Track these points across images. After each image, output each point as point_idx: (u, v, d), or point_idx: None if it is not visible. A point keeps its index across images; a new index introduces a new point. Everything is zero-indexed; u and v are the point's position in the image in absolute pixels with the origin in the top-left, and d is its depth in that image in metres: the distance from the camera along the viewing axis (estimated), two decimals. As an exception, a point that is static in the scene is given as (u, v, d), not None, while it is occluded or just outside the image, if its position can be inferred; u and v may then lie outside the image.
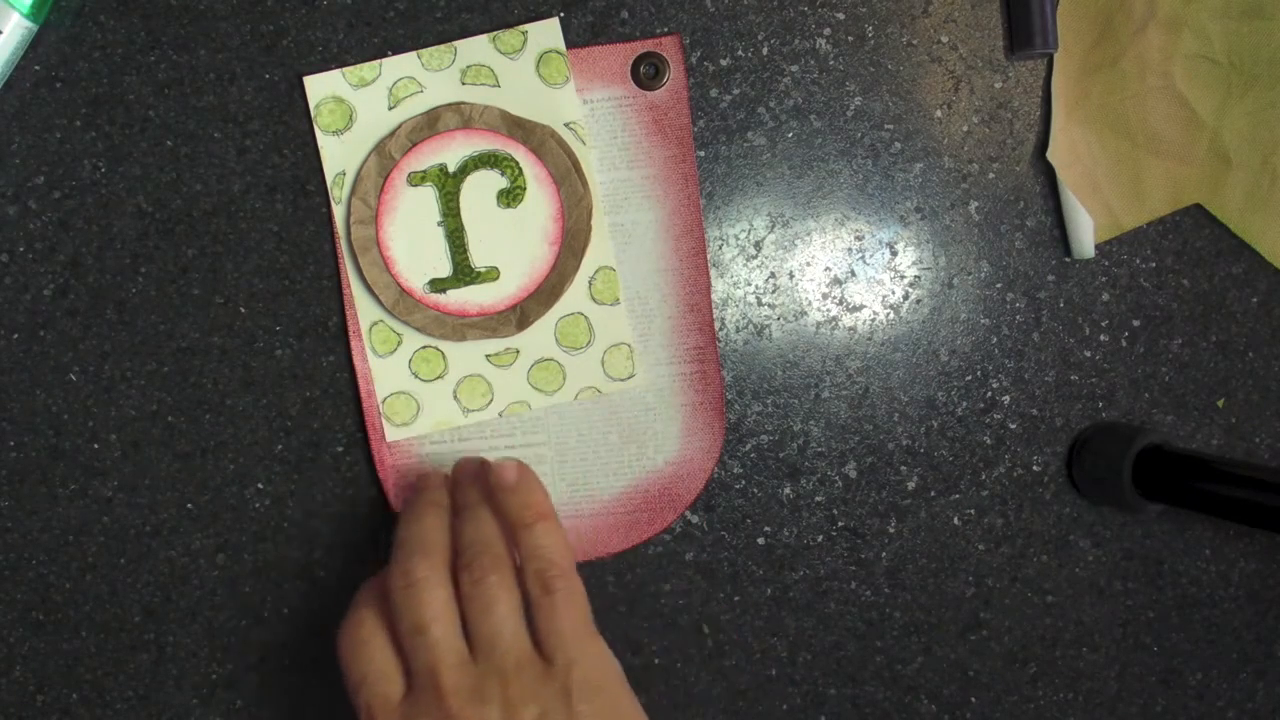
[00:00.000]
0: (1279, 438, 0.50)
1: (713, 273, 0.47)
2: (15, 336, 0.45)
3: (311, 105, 0.45)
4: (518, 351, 0.46)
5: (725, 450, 0.48)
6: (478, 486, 0.42)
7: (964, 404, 0.49)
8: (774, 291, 0.47)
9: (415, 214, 0.45)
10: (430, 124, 0.44)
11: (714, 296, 0.47)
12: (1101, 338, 0.49)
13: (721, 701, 0.49)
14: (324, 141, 0.45)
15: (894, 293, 0.48)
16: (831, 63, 0.46)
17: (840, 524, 0.48)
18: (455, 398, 0.46)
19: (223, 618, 0.47)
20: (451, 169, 0.45)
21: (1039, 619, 0.50)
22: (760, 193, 0.47)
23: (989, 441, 0.49)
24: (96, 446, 0.46)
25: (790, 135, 0.47)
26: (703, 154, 0.47)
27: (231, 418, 0.46)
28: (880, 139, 0.47)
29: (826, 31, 0.46)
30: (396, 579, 0.38)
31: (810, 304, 0.48)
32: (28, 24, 0.43)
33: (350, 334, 0.46)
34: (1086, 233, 0.47)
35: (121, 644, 0.47)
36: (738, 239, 0.47)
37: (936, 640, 0.49)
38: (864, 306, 0.48)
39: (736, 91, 0.46)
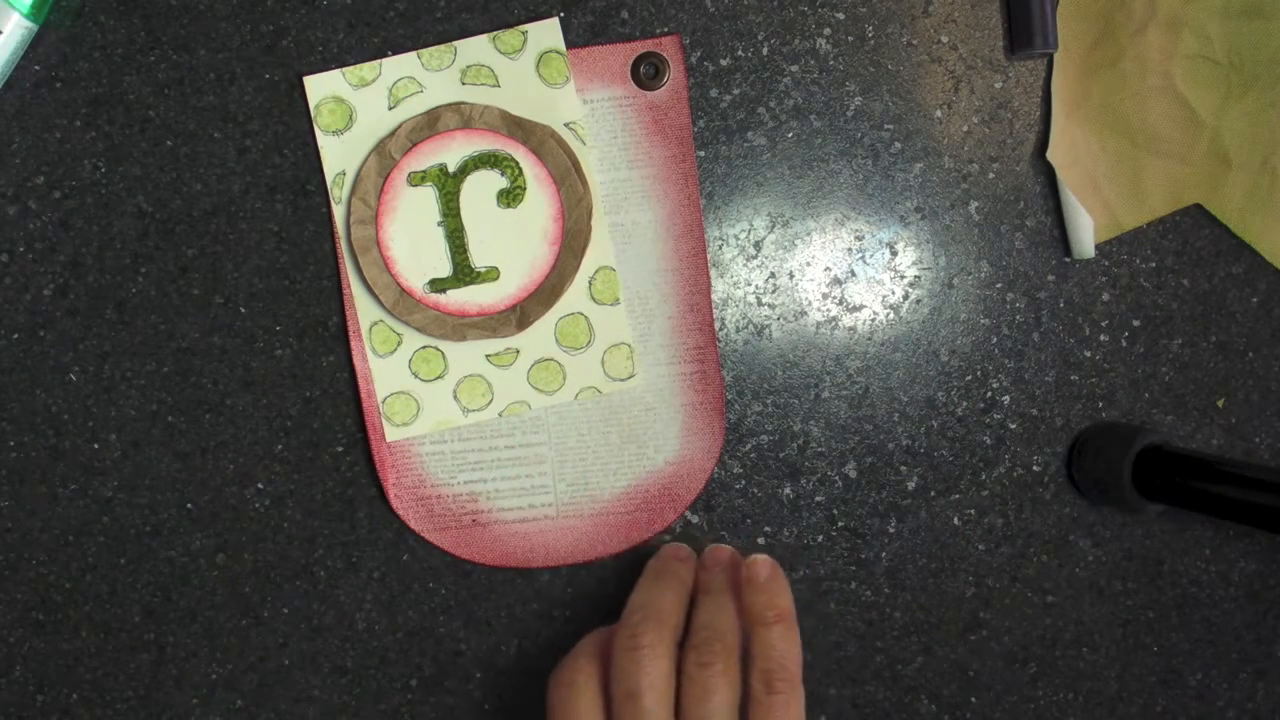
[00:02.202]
0: (1279, 438, 0.50)
1: (713, 273, 0.47)
2: (15, 336, 0.45)
3: (311, 105, 0.45)
4: (518, 351, 0.46)
5: (725, 450, 0.48)
6: (726, 574, 0.43)
7: (964, 404, 0.49)
8: (774, 291, 0.47)
9: (415, 214, 0.45)
10: (430, 124, 0.44)
11: (714, 296, 0.47)
12: (1101, 338, 0.49)
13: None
14: (324, 141, 0.45)
15: (894, 293, 0.48)
16: (831, 63, 0.46)
17: (840, 524, 0.48)
18: (455, 398, 0.46)
19: (223, 618, 0.47)
20: (451, 169, 0.45)
21: (1039, 619, 0.50)
22: (760, 193, 0.47)
23: (989, 441, 0.49)
24: (96, 446, 0.46)
25: (790, 135, 0.47)
26: (703, 154, 0.47)
27: (231, 418, 0.46)
28: (880, 139, 0.47)
29: (826, 31, 0.46)
30: (623, 640, 0.38)
31: (810, 304, 0.48)
32: (28, 24, 0.43)
33: (350, 334, 0.46)
34: (1086, 233, 0.47)
35: (121, 644, 0.47)
36: (738, 239, 0.47)
37: (936, 640, 0.49)
38: (864, 306, 0.48)
39: (736, 91, 0.46)
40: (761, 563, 0.42)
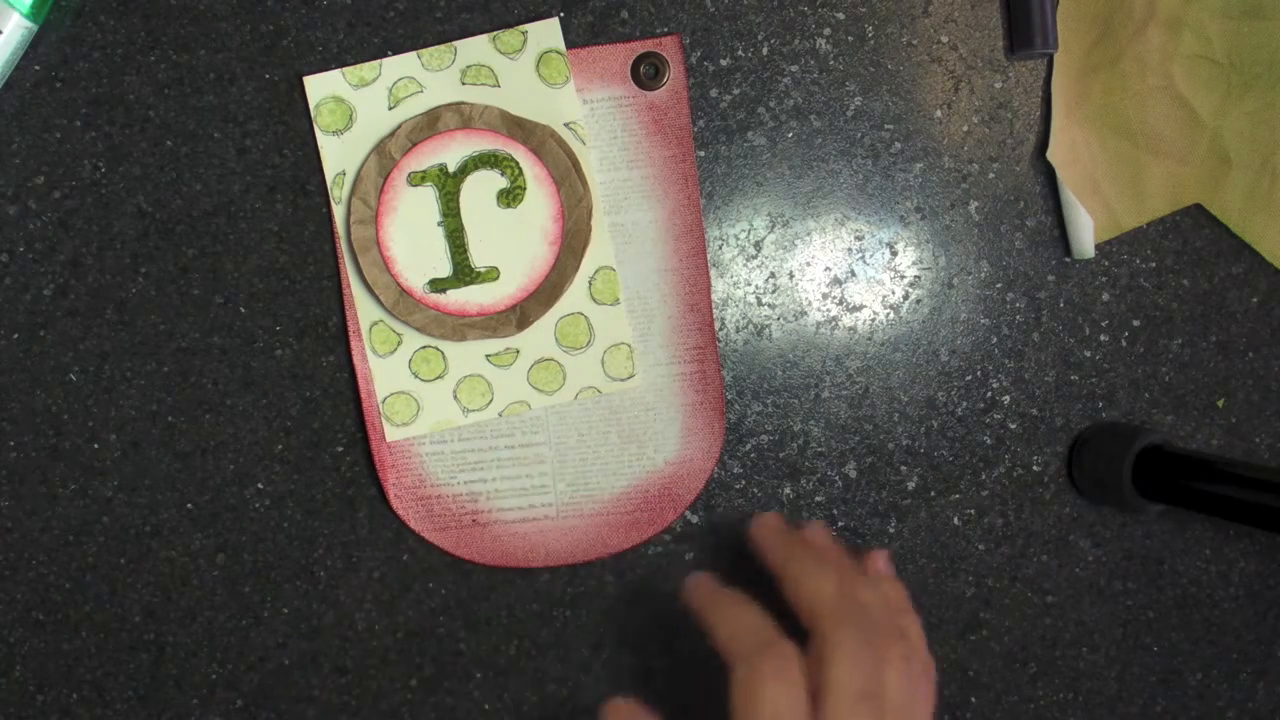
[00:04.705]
0: (1279, 438, 0.50)
1: (713, 273, 0.47)
2: (15, 336, 0.45)
3: (311, 105, 0.45)
4: (518, 351, 0.46)
5: (725, 450, 0.48)
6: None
7: (964, 404, 0.49)
8: (774, 291, 0.47)
9: (415, 214, 0.45)
10: (430, 124, 0.44)
11: (714, 296, 0.47)
12: (1101, 338, 0.49)
13: (722, 701, 0.49)
14: (324, 141, 0.45)
15: (894, 293, 0.48)
16: (831, 63, 0.46)
17: (840, 524, 0.48)
18: (455, 398, 0.46)
19: (223, 618, 0.47)
20: (451, 169, 0.45)
21: (1039, 619, 0.50)
22: (760, 193, 0.47)
23: (989, 441, 0.49)
24: (96, 446, 0.46)
25: (790, 135, 0.47)
26: (703, 154, 0.47)
27: (231, 418, 0.46)
28: (880, 139, 0.47)
29: (826, 31, 0.46)
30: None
31: (810, 304, 0.48)
32: (28, 24, 0.43)
33: (350, 334, 0.46)
34: (1086, 233, 0.47)
35: (121, 644, 0.47)
36: (738, 239, 0.47)
37: (936, 640, 0.49)
38: (864, 306, 0.48)
39: (736, 91, 0.46)
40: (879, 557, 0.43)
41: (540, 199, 0.45)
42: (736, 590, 0.41)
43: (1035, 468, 0.49)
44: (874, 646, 0.38)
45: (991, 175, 0.48)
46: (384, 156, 0.44)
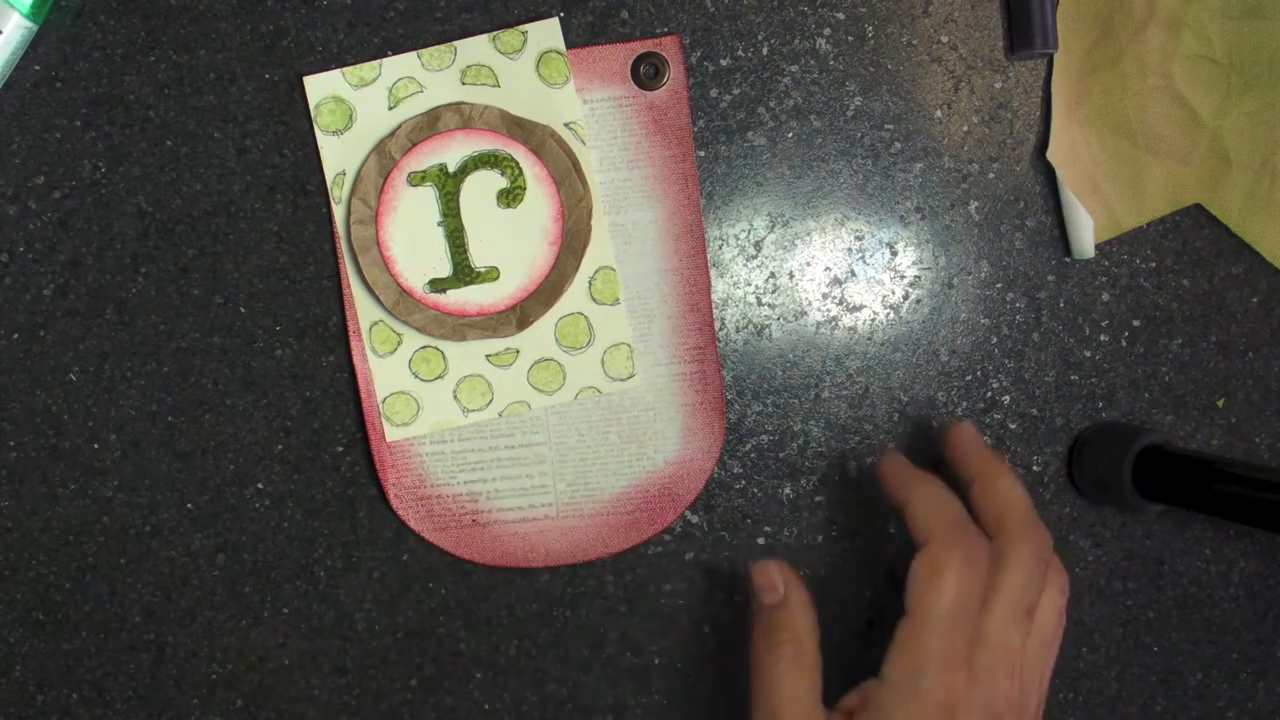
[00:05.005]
0: (1279, 438, 0.50)
1: (713, 273, 0.47)
2: (15, 336, 0.45)
3: (311, 105, 0.45)
4: (518, 351, 0.46)
5: (725, 450, 0.48)
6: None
7: (964, 404, 0.49)
8: (774, 291, 0.47)
9: (415, 214, 0.45)
10: (430, 124, 0.44)
11: (714, 296, 0.47)
12: (1101, 338, 0.49)
13: (721, 701, 0.49)
14: (324, 141, 0.45)
15: (894, 293, 0.48)
16: (831, 63, 0.46)
17: (840, 524, 0.48)
18: (455, 398, 0.46)
19: (223, 618, 0.47)
20: (451, 169, 0.45)
21: (1039, 619, 0.50)
22: (760, 193, 0.47)
23: (989, 441, 0.49)
24: (96, 446, 0.46)
25: (790, 135, 0.47)
26: (703, 154, 0.47)
27: (231, 418, 0.46)
28: (880, 139, 0.47)
29: (826, 31, 0.46)
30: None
31: (810, 304, 0.48)
32: (28, 24, 0.43)
33: (350, 334, 0.46)
34: (1086, 233, 0.47)
35: (121, 644, 0.47)
36: (738, 239, 0.47)
37: (936, 640, 0.49)
38: (864, 306, 0.48)
39: (736, 91, 0.46)
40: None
41: (540, 199, 0.45)
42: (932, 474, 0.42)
43: (1035, 468, 0.49)
44: (1044, 569, 0.39)
45: (991, 175, 0.48)
46: (384, 156, 0.44)
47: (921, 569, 0.38)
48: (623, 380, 0.46)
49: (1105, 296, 0.49)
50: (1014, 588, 0.38)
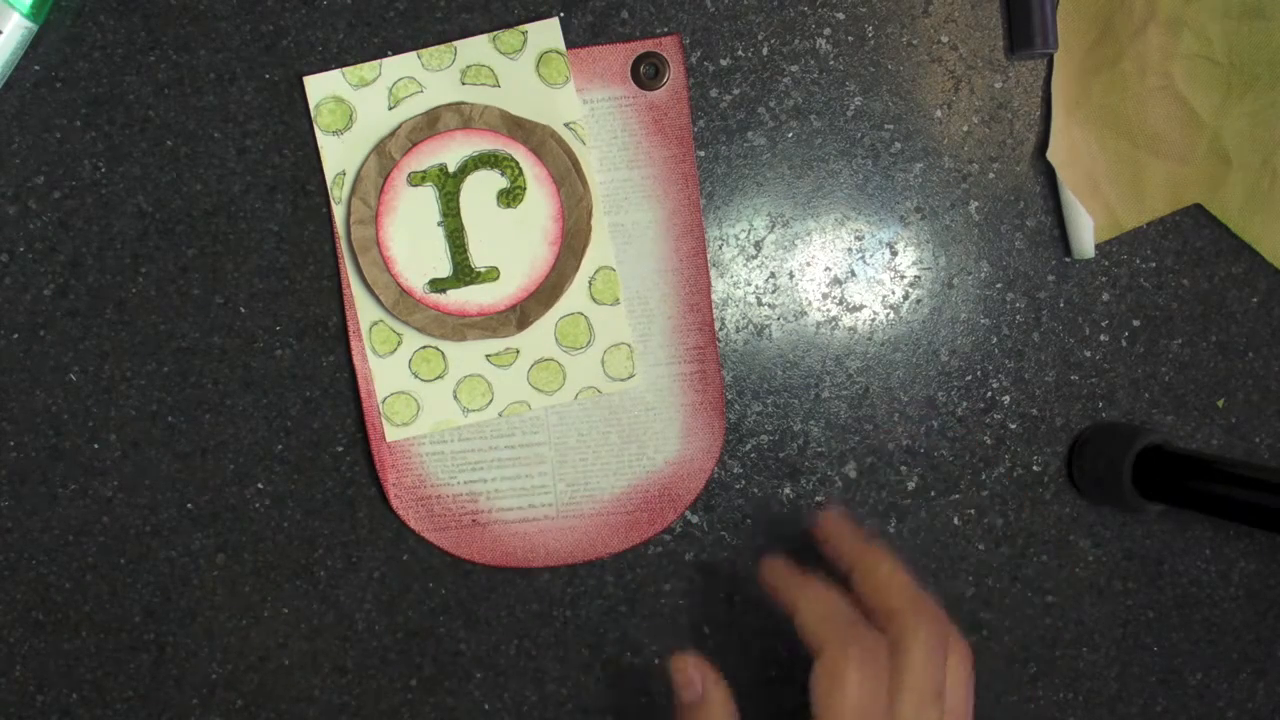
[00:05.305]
0: (1279, 438, 0.50)
1: (713, 273, 0.47)
2: (15, 336, 0.45)
3: (311, 105, 0.45)
4: (518, 351, 0.46)
5: (725, 450, 0.48)
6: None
7: (964, 404, 0.49)
8: (774, 291, 0.47)
9: (415, 214, 0.45)
10: (430, 124, 0.44)
11: (714, 296, 0.47)
12: (1101, 338, 0.49)
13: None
14: (324, 141, 0.45)
15: (894, 293, 0.48)
16: (831, 63, 0.46)
17: (840, 524, 0.48)
18: (455, 398, 0.46)
19: (223, 618, 0.47)
20: (451, 169, 0.45)
21: (1039, 619, 0.50)
22: (760, 193, 0.47)
23: (989, 441, 0.49)
24: (96, 446, 0.46)
25: (790, 135, 0.47)
26: (703, 154, 0.47)
27: (231, 418, 0.46)
28: (880, 139, 0.47)
29: (826, 31, 0.46)
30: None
31: (810, 304, 0.48)
32: (28, 24, 0.43)
33: (350, 334, 0.46)
34: (1086, 233, 0.47)
35: (121, 644, 0.47)
36: (738, 239, 0.47)
37: (936, 640, 0.49)
38: (864, 306, 0.48)
39: (736, 91, 0.46)
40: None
41: (540, 199, 0.45)
42: (817, 574, 0.41)
43: (1035, 468, 0.49)
44: (944, 646, 0.38)
45: (991, 175, 0.48)
46: (384, 156, 0.44)
47: (822, 677, 0.37)
48: (623, 380, 0.46)
49: (1105, 296, 0.49)
50: (918, 673, 0.37)
